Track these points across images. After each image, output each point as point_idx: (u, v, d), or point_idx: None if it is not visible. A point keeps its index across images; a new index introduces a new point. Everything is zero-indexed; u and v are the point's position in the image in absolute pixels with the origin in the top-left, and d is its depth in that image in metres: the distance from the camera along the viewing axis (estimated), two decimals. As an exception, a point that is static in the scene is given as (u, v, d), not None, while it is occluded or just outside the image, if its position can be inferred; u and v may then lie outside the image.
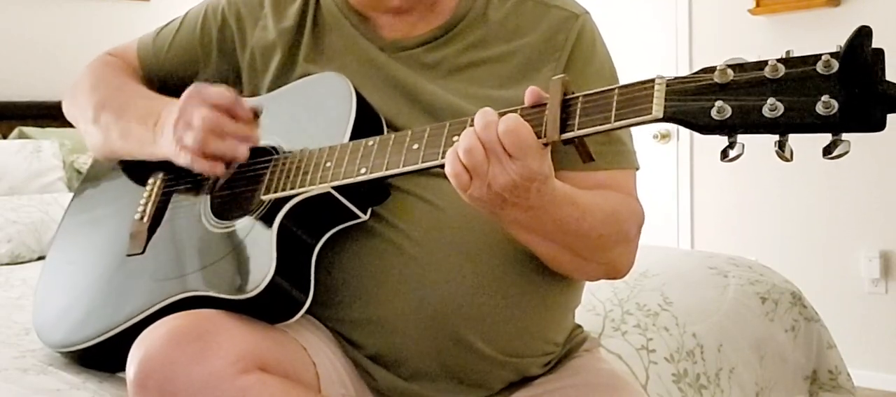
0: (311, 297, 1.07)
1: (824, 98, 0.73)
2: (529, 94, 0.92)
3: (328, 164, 1.04)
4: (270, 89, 1.23)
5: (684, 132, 3.77)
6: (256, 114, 1.13)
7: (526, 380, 1.18)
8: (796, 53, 0.78)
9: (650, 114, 0.82)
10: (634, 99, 0.84)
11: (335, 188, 1.04)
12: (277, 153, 1.13)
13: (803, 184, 3.47)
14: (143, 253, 1.21)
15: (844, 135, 0.74)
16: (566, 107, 0.89)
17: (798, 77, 0.76)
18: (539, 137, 0.89)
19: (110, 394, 1.15)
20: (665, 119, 0.81)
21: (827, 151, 0.75)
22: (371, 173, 1.00)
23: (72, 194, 1.46)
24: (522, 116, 0.90)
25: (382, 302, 1.10)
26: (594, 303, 1.58)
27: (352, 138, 1.06)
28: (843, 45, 0.74)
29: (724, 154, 0.79)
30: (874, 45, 0.74)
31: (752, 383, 1.64)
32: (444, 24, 1.19)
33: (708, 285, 1.76)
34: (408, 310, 1.09)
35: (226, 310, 1.04)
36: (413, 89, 1.16)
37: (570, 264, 1.09)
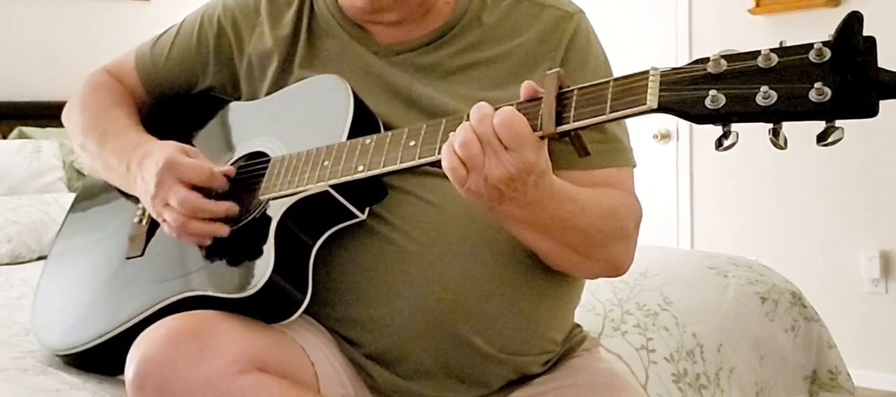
0: (310, 297, 1.07)
1: (817, 85, 0.74)
2: (525, 88, 0.92)
3: (326, 163, 1.04)
4: (268, 95, 1.23)
5: (684, 132, 3.77)
6: (230, 177, 1.15)
7: (525, 379, 1.18)
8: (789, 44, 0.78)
9: (645, 104, 0.82)
10: (629, 90, 0.84)
11: (333, 187, 1.04)
12: (275, 154, 1.14)
13: (803, 183, 3.46)
14: (142, 255, 1.21)
15: (838, 122, 0.75)
16: (562, 100, 0.89)
17: (791, 65, 0.77)
18: (535, 131, 0.89)
19: (110, 395, 1.15)
20: (659, 109, 0.82)
21: (821, 138, 0.76)
22: (369, 171, 1.00)
23: (72, 194, 1.46)
24: (518, 110, 0.90)
25: (381, 300, 1.10)
26: (594, 303, 1.58)
27: (349, 138, 1.06)
28: (834, 33, 0.75)
29: (719, 143, 0.80)
30: (874, 45, 0.74)
31: (752, 383, 1.64)
32: (439, 28, 1.19)
33: (708, 285, 1.75)
34: (407, 309, 1.09)
35: (224, 310, 1.05)
36: (409, 93, 1.16)
37: (570, 261, 1.09)
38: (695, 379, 1.53)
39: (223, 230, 1.11)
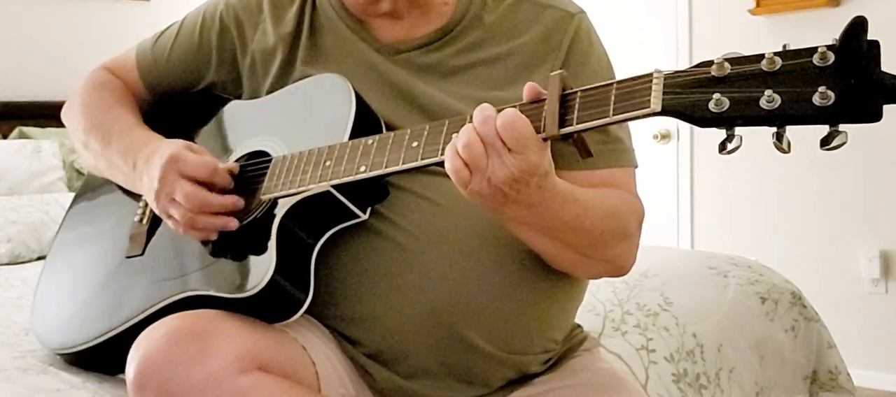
0: (311, 297, 1.07)
1: (821, 89, 0.74)
2: (528, 89, 0.92)
3: (328, 163, 1.04)
4: (270, 92, 1.23)
5: (684, 132, 3.77)
6: (234, 175, 1.14)
7: (525, 378, 1.18)
8: (793, 48, 0.78)
9: (649, 107, 0.82)
10: (633, 92, 0.84)
11: (335, 187, 1.04)
12: (276, 154, 1.14)
13: (803, 183, 3.46)
14: (142, 254, 1.21)
15: (842, 126, 0.75)
16: (565, 102, 0.89)
17: (794, 69, 0.76)
18: (538, 133, 0.89)
19: (110, 394, 1.15)
20: (663, 112, 0.82)
21: (824, 142, 0.76)
22: (371, 171, 1.00)
23: (72, 194, 1.46)
24: (522, 112, 0.90)
25: (382, 299, 1.10)
26: (594, 303, 1.58)
27: (351, 138, 1.06)
28: (838, 36, 0.75)
29: (722, 146, 0.80)
30: (878, 49, 0.74)
31: (752, 383, 1.64)
32: (441, 28, 1.19)
33: (708, 285, 1.75)
34: (408, 308, 1.09)
35: (225, 310, 1.05)
36: (410, 91, 1.16)
37: (572, 262, 1.09)
38: (695, 379, 1.53)
39: (232, 223, 1.10)
